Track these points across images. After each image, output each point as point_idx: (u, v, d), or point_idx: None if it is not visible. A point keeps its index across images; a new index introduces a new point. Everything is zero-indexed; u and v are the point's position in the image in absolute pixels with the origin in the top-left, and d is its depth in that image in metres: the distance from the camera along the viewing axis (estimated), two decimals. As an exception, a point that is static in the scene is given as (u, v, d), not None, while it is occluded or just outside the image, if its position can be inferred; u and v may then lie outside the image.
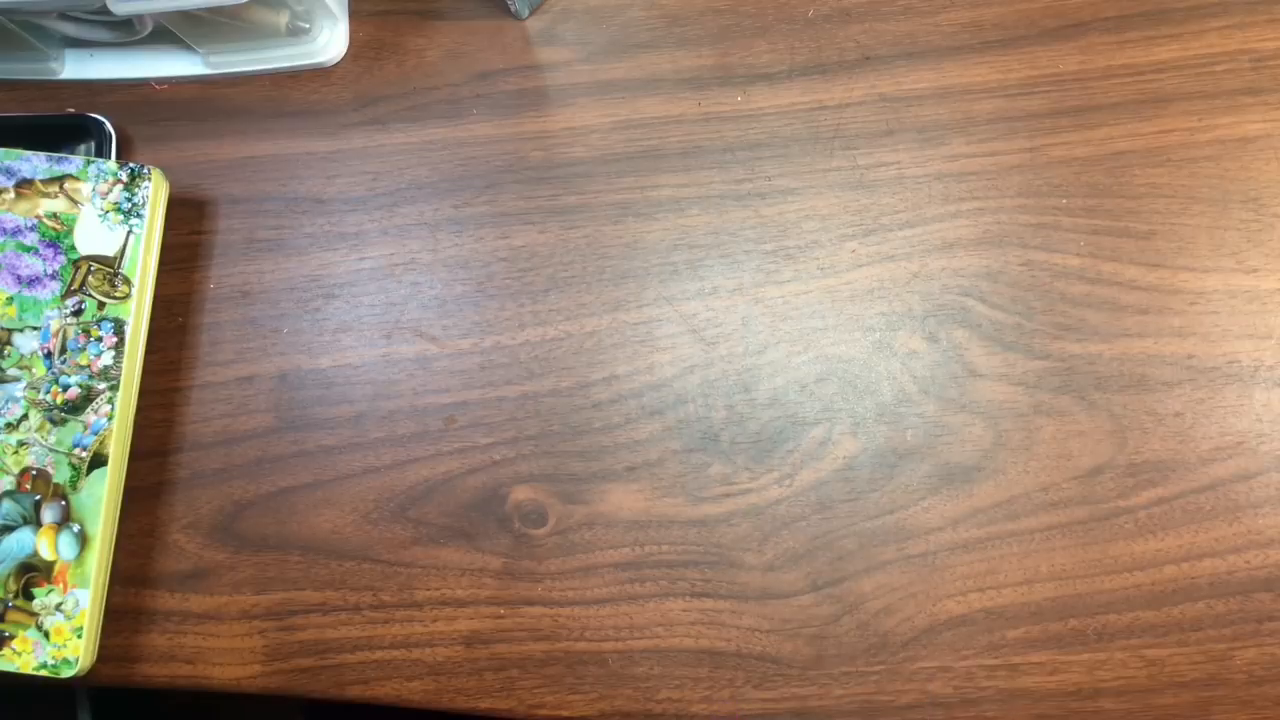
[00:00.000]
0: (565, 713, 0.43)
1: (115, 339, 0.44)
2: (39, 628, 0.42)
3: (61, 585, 0.42)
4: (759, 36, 0.48)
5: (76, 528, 0.43)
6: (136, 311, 0.45)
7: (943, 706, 0.42)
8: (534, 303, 0.46)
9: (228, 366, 0.47)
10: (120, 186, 0.45)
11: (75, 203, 0.45)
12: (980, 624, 0.43)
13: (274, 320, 0.47)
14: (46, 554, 0.43)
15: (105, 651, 0.44)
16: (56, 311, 0.44)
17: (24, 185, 0.45)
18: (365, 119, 0.48)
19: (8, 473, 0.43)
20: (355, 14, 0.49)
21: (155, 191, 0.46)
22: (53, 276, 0.45)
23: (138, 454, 0.45)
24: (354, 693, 0.44)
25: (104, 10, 0.42)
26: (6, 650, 0.42)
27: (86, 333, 0.44)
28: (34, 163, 0.45)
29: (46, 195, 0.45)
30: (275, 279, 0.47)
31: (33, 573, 0.43)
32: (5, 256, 0.45)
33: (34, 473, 0.43)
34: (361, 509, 0.45)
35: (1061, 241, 0.45)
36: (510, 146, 0.48)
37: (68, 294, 0.44)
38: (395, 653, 0.44)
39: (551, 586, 0.44)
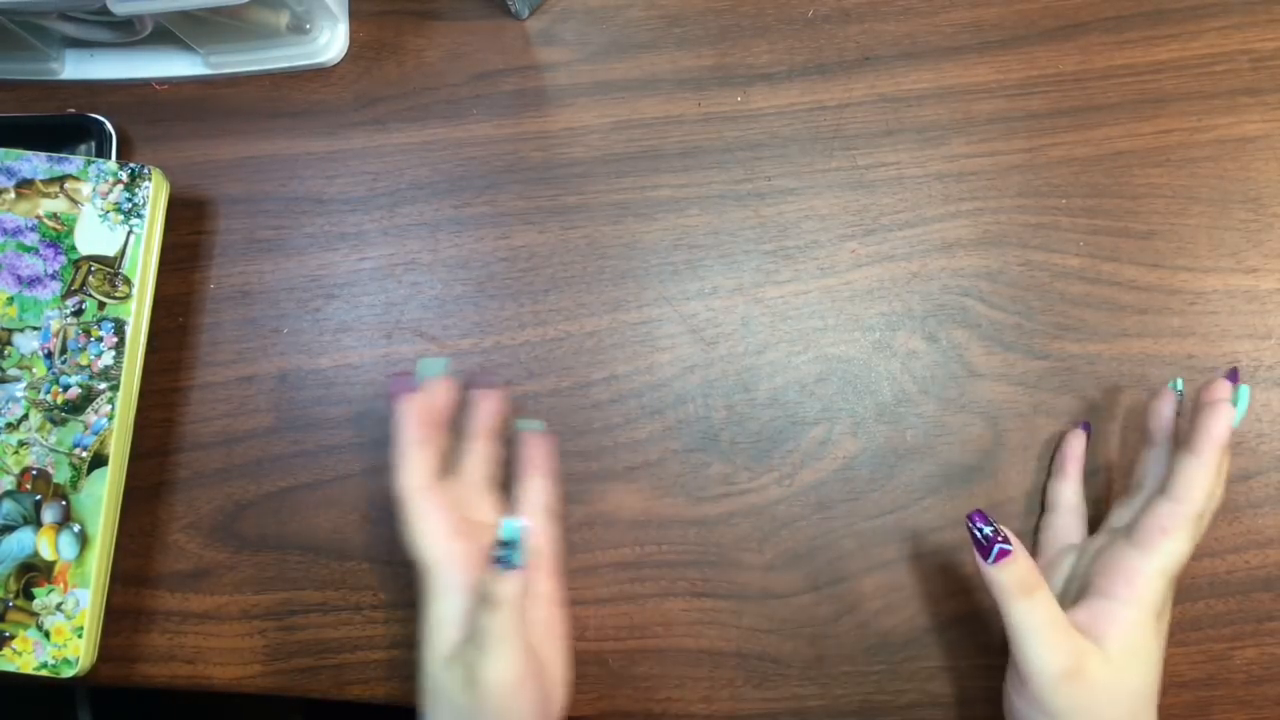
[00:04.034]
0: (565, 712, 0.43)
1: (115, 339, 0.44)
2: (39, 627, 0.42)
3: (62, 585, 0.42)
4: (759, 36, 0.48)
5: (77, 528, 0.43)
6: (137, 311, 0.45)
7: (943, 706, 0.42)
8: (534, 303, 0.46)
9: (228, 366, 0.47)
10: (120, 187, 0.45)
11: (75, 203, 0.45)
12: (980, 624, 0.43)
13: (274, 320, 0.47)
14: (47, 554, 0.43)
15: (105, 651, 0.44)
16: (57, 311, 0.44)
17: (24, 185, 0.45)
18: (365, 119, 0.49)
19: (8, 473, 0.43)
20: (355, 14, 0.50)
21: (155, 192, 0.46)
22: (53, 277, 0.45)
23: (138, 454, 0.45)
24: (354, 692, 0.44)
25: (104, 10, 0.42)
26: (7, 650, 0.42)
27: (87, 333, 0.44)
28: (34, 163, 0.45)
29: (47, 195, 0.45)
30: (275, 279, 0.47)
31: (33, 573, 0.43)
32: (6, 257, 0.45)
33: (34, 473, 0.43)
34: (361, 509, 0.45)
35: (1061, 241, 0.45)
36: (510, 146, 0.48)
37: (68, 294, 0.44)
38: (395, 652, 0.44)
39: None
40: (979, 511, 0.36)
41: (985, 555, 0.35)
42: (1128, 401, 0.44)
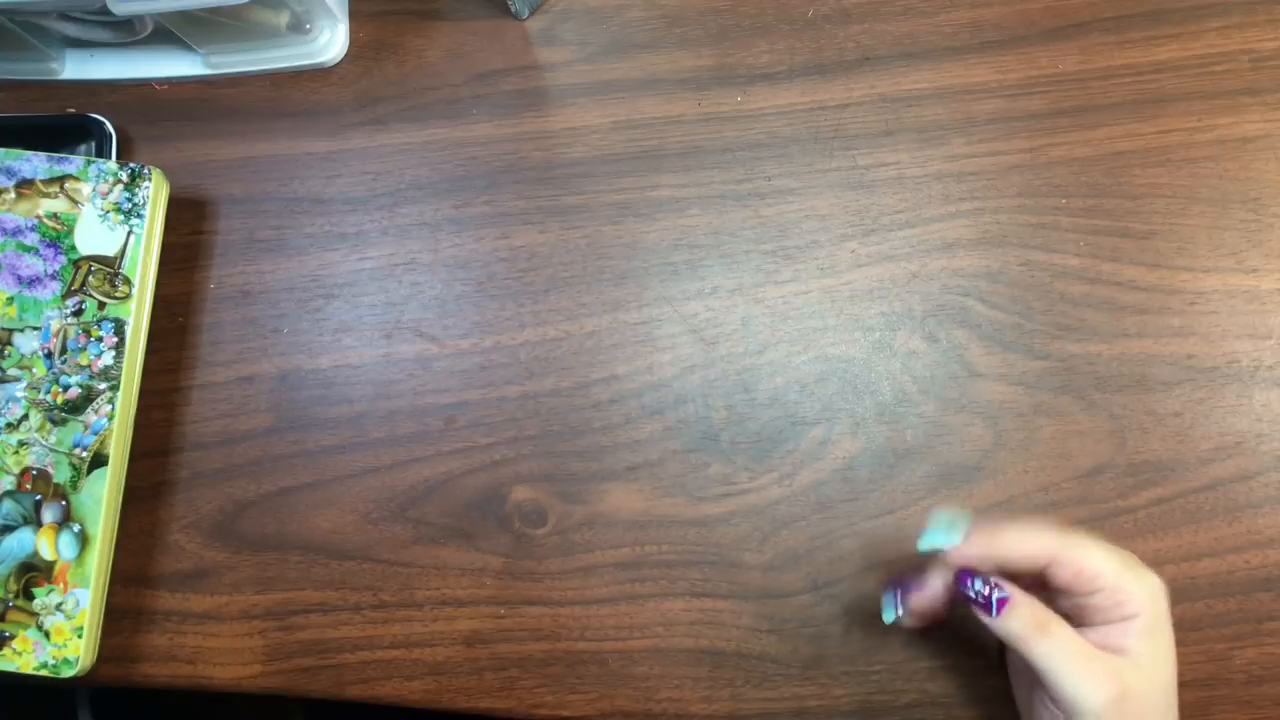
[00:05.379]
0: (565, 712, 0.43)
1: (115, 339, 0.44)
2: (39, 627, 0.42)
3: (62, 585, 0.42)
4: (759, 36, 0.48)
5: (77, 528, 0.43)
6: (137, 311, 0.45)
7: (943, 706, 0.42)
8: (534, 303, 0.46)
9: (228, 366, 0.47)
10: (120, 186, 0.45)
11: (76, 203, 0.45)
12: (980, 623, 0.42)
13: (274, 320, 0.47)
14: (47, 554, 0.43)
15: (105, 651, 0.44)
16: (57, 311, 0.44)
17: (24, 185, 0.45)
18: (365, 119, 0.49)
19: (8, 473, 0.43)
20: (355, 14, 0.50)
21: (155, 192, 0.46)
22: (53, 277, 0.45)
23: (138, 454, 0.45)
24: (354, 692, 0.44)
25: (104, 10, 0.42)
26: (7, 650, 0.42)
27: (87, 333, 0.44)
28: (34, 163, 0.45)
29: (47, 195, 0.45)
30: (275, 279, 0.47)
31: (33, 573, 0.43)
32: (6, 257, 0.45)
33: (34, 473, 0.43)
34: (361, 509, 0.45)
35: (1061, 241, 0.45)
36: (510, 146, 0.48)
37: (68, 294, 0.44)
38: (395, 652, 0.44)
39: (551, 586, 0.44)
40: (963, 570, 0.36)
41: (988, 611, 0.35)
42: (1128, 401, 0.44)
